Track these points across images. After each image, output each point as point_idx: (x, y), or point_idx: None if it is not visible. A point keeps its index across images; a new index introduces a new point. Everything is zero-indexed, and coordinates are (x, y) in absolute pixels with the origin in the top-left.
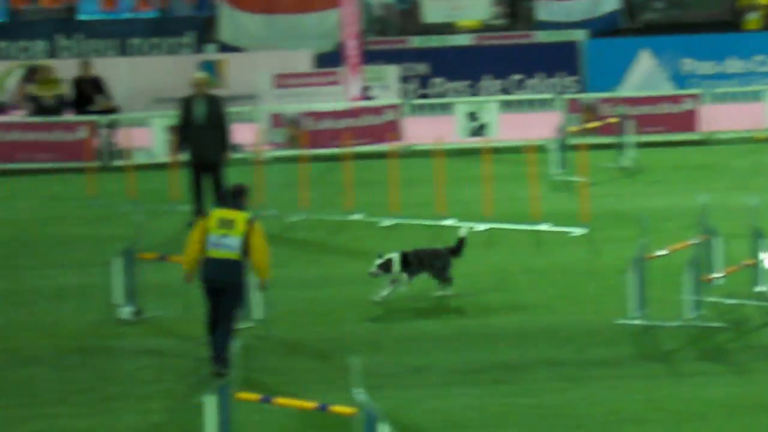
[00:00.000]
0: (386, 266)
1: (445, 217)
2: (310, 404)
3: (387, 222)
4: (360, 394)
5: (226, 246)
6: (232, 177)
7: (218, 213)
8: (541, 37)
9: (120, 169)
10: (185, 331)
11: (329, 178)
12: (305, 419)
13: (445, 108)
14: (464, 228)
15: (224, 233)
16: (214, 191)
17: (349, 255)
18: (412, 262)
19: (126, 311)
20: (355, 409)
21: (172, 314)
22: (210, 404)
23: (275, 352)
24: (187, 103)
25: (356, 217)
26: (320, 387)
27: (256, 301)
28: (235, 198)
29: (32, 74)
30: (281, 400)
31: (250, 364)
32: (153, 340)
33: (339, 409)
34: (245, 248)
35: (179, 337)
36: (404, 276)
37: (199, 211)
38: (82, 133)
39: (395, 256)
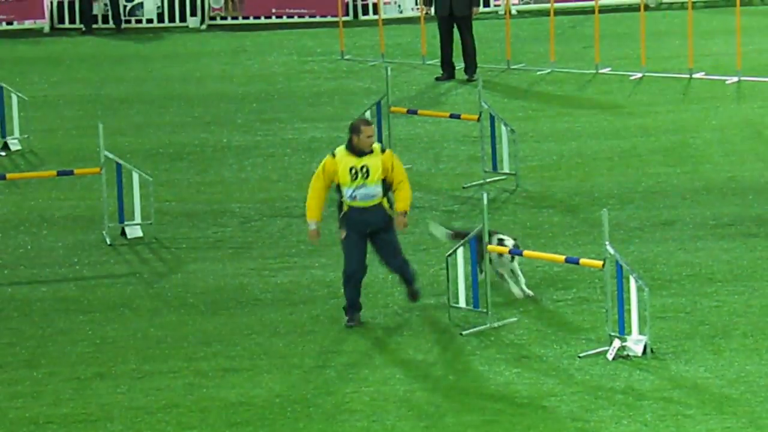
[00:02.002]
0: None
1: (694, 71)
2: (558, 257)
3: (636, 75)
4: (609, 247)
5: (366, 197)
6: (479, 30)
7: (349, 161)
8: None
9: (370, 24)
10: (435, 185)
11: (577, 32)
12: (553, 272)
13: None
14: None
15: (360, 184)
16: (462, 46)
17: (597, 108)
18: None
19: None
20: (604, 261)
21: (422, 167)
22: (460, 258)
23: (524, 206)
24: None
25: (605, 70)
26: (568, 240)
27: (506, 155)
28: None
29: None
30: (530, 253)
31: (498, 217)
32: None
33: (588, 262)
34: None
35: (430, 191)
36: None
37: (448, 65)
38: None
39: None
